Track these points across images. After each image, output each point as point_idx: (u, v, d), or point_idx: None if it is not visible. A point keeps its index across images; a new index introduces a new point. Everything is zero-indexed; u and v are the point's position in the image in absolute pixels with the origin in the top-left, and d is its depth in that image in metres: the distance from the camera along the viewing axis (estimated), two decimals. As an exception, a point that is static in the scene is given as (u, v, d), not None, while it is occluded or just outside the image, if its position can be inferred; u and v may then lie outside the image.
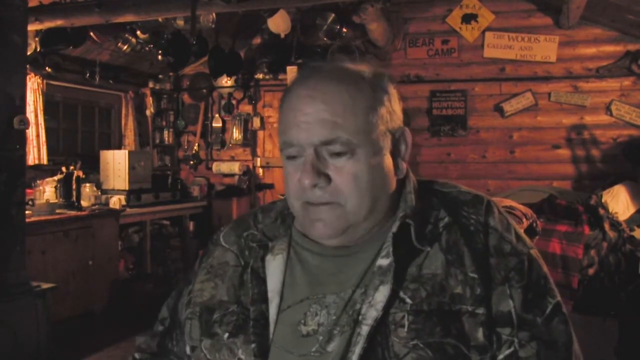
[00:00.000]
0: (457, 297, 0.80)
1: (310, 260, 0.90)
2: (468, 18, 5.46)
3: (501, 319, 0.80)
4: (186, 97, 6.44)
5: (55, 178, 4.51)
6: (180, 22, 4.61)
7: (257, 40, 6.05)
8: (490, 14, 5.40)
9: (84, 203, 4.54)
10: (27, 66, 3.52)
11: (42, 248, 3.90)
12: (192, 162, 6.36)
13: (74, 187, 4.46)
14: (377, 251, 0.85)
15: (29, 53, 3.74)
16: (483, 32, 5.45)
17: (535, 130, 5.38)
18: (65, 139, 5.43)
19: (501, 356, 0.79)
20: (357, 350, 0.78)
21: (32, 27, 3.59)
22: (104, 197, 4.85)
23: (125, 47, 4.98)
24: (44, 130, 4.71)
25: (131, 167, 4.99)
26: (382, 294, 0.80)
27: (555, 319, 0.81)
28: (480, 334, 0.78)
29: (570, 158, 5.30)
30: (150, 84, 6.14)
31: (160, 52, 4.91)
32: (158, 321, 1.05)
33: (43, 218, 4.00)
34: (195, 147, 6.36)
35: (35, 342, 2.88)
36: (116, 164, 5.02)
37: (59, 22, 3.71)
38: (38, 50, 4.29)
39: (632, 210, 4.31)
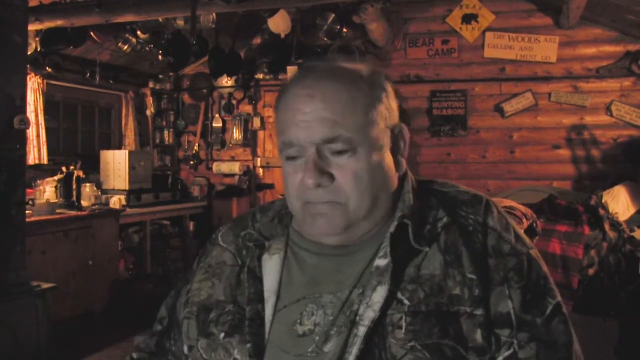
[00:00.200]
0: (455, 298, 0.79)
1: (308, 260, 0.89)
2: (468, 18, 5.45)
3: (500, 320, 0.79)
4: (186, 97, 6.44)
5: (56, 178, 4.51)
6: (180, 22, 4.61)
7: (257, 40, 6.05)
8: (490, 14, 5.40)
9: (84, 203, 4.54)
10: (27, 66, 3.52)
11: (42, 248, 3.90)
12: (192, 162, 6.36)
13: (74, 187, 4.46)
14: (375, 251, 0.85)
15: (29, 53, 3.74)
16: (483, 32, 5.44)
17: (536, 131, 5.38)
18: (65, 139, 5.43)
19: (500, 358, 0.78)
20: (354, 351, 0.78)
21: (32, 27, 3.59)
22: (104, 197, 4.85)
23: (125, 47, 4.98)
24: (44, 130, 4.71)
25: (131, 167, 4.99)
26: (379, 295, 0.80)
27: (555, 320, 0.81)
28: (478, 335, 0.78)
29: (570, 158, 5.30)
30: (151, 84, 6.14)
31: (160, 52, 4.91)
32: (157, 321, 1.04)
33: (43, 218, 4.00)
34: (195, 147, 6.36)
35: (35, 342, 2.88)
36: (116, 164, 5.02)
37: (59, 22, 3.71)
38: (38, 50, 4.29)
39: (632, 210, 4.31)
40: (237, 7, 3.50)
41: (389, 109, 0.87)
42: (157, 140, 6.31)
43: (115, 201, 4.75)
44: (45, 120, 4.76)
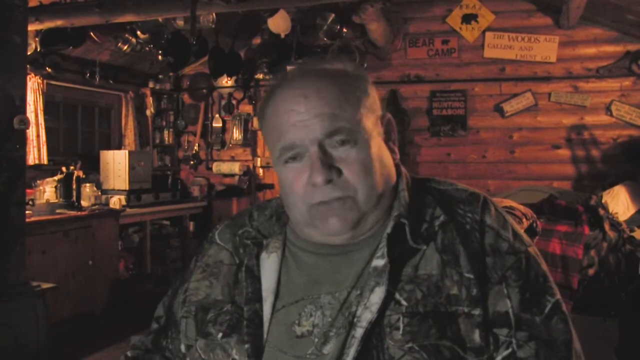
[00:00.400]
0: (453, 298, 0.79)
1: (306, 260, 0.89)
2: (468, 18, 5.45)
3: (498, 319, 0.79)
4: (186, 97, 6.44)
5: (56, 178, 4.51)
6: (180, 22, 4.62)
7: (257, 40, 6.05)
8: (490, 14, 5.40)
9: (84, 203, 4.54)
10: (27, 66, 3.52)
11: (42, 248, 3.90)
12: (192, 162, 6.36)
13: (74, 187, 4.46)
14: (373, 251, 0.84)
15: (29, 53, 3.74)
16: (483, 32, 5.44)
17: (535, 131, 5.38)
18: (65, 139, 5.43)
19: (499, 357, 0.78)
20: (352, 352, 0.77)
21: (32, 27, 3.59)
22: (104, 197, 4.85)
23: (125, 47, 4.98)
24: (44, 130, 4.71)
25: (131, 167, 4.99)
26: (377, 296, 0.79)
27: (554, 318, 0.80)
28: (476, 335, 0.77)
29: (570, 158, 5.30)
30: (150, 84, 6.14)
31: (160, 52, 4.91)
32: (154, 319, 1.04)
33: (43, 218, 4.00)
34: (195, 147, 6.36)
35: (35, 342, 2.88)
36: (116, 164, 5.02)
37: (59, 22, 3.72)
38: (38, 50, 4.30)
39: (632, 210, 4.30)
40: (237, 7, 3.51)
41: (375, 99, 0.89)
42: (157, 141, 6.31)
43: (115, 201, 4.76)
44: (45, 121, 4.76)
